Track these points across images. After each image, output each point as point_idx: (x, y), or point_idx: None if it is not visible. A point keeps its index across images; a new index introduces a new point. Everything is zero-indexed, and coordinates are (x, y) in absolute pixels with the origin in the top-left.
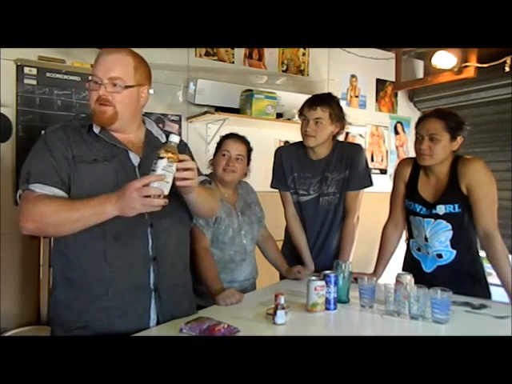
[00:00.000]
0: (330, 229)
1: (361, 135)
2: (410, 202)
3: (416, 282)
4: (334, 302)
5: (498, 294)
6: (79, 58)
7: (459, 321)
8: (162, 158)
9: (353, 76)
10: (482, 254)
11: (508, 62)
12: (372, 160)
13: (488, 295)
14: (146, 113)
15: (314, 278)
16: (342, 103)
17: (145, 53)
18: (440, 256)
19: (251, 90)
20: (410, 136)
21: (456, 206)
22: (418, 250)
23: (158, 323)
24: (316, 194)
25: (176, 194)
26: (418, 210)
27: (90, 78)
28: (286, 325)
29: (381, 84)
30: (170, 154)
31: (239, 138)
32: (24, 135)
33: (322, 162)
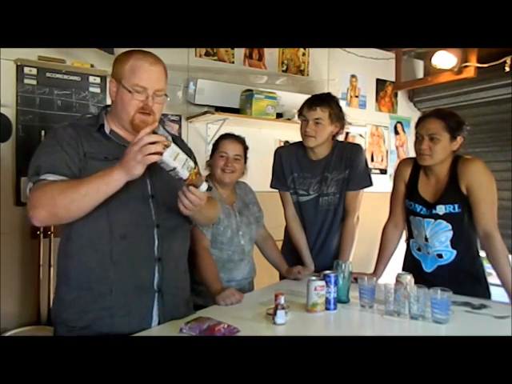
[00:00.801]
0: (329, 229)
1: (361, 135)
2: (410, 202)
3: (416, 282)
4: (334, 302)
5: (498, 294)
6: (79, 58)
7: (459, 321)
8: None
9: (353, 76)
10: (482, 253)
11: (508, 61)
12: (372, 160)
13: (488, 295)
14: None
15: (313, 278)
16: (342, 103)
17: None
18: (440, 256)
19: (251, 90)
20: (410, 136)
21: (456, 206)
22: (418, 249)
23: (159, 324)
24: (316, 194)
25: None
26: (418, 210)
27: (127, 86)
28: (285, 325)
29: (381, 84)
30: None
31: (235, 138)
32: (24, 135)
33: (322, 162)
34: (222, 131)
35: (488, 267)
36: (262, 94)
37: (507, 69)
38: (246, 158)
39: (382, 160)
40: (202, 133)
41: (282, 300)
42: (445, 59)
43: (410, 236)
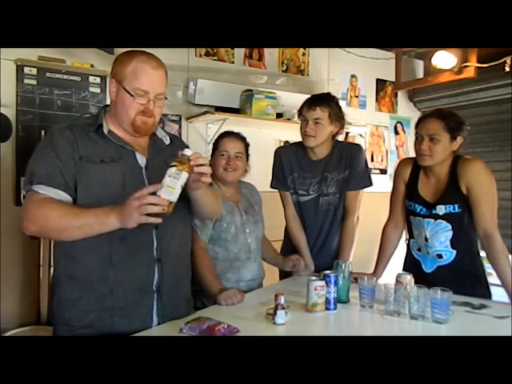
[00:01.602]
0: (329, 229)
1: (361, 135)
2: (410, 203)
3: (416, 282)
4: (334, 302)
5: (498, 294)
6: (79, 58)
7: (459, 321)
8: (172, 167)
9: (353, 76)
10: (483, 253)
11: (508, 61)
12: (372, 160)
13: (488, 295)
14: None
15: (314, 278)
16: (342, 103)
17: None
18: (440, 256)
19: (251, 90)
20: (409, 136)
21: (456, 206)
22: (418, 250)
23: (159, 325)
24: (316, 194)
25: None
26: (417, 210)
27: (128, 89)
28: (285, 325)
29: (381, 84)
30: (179, 165)
31: (235, 136)
32: (24, 135)
33: (322, 162)
34: (222, 131)
35: (488, 267)
36: (262, 93)
37: (507, 69)
38: (247, 155)
39: (382, 160)
40: (202, 133)
41: (282, 300)
42: (445, 59)
43: (409, 236)
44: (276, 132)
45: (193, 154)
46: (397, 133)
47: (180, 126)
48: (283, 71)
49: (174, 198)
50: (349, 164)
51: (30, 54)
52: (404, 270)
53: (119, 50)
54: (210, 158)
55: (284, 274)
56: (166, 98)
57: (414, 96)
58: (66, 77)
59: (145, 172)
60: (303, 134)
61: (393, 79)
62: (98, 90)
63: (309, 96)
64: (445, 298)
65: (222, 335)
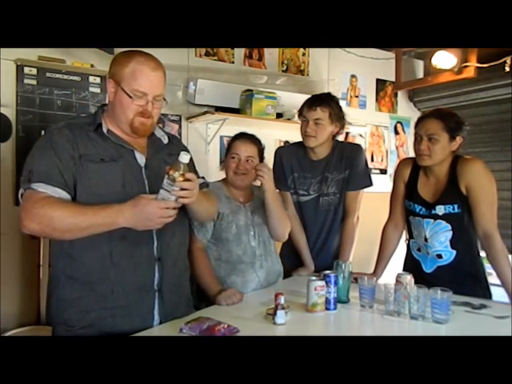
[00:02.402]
0: (330, 229)
1: (361, 135)
2: (410, 203)
3: (416, 283)
4: (334, 302)
5: (498, 294)
6: (79, 58)
7: (459, 321)
8: (175, 179)
9: (353, 76)
10: (483, 254)
11: (508, 61)
12: (372, 160)
13: (488, 295)
14: None
15: (314, 278)
16: (342, 103)
17: None
18: (440, 256)
19: (251, 90)
20: (409, 136)
21: (455, 206)
22: (418, 250)
23: (159, 324)
24: (316, 194)
25: None
26: (417, 210)
27: (127, 90)
28: (286, 325)
29: (381, 84)
30: (181, 177)
31: (248, 139)
32: (24, 135)
33: (322, 162)
34: (222, 131)
35: (488, 267)
36: (262, 94)
37: (507, 69)
38: (262, 158)
39: (382, 160)
40: (202, 133)
41: (281, 300)
42: (445, 59)
43: (409, 236)
44: (276, 132)
45: (189, 158)
46: (397, 133)
47: (180, 126)
48: (283, 71)
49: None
50: (349, 164)
51: (30, 54)
52: (404, 269)
53: (119, 50)
54: (223, 160)
55: (284, 274)
56: (164, 99)
57: (414, 96)
58: (65, 77)
59: (144, 171)
60: (304, 134)
61: (393, 79)
62: (97, 90)
63: (309, 96)
64: (445, 297)
65: (222, 335)
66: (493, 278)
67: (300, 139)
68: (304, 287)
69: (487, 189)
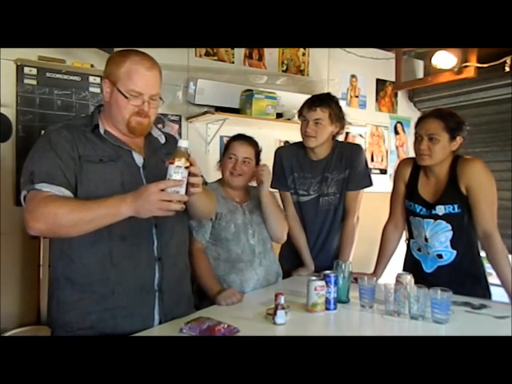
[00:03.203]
0: (330, 229)
1: (361, 135)
2: (410, 203)
3: (416, 282)
4: (334, 302)
5: (498, 294)
6: (79, 58)
7: (459, 321)
8: (177, 164)
9: (353, 76)
10: (483, 254)
11: (508, 61)
12: (372, 160)
13: (488, 295)
14: None
15: (314, 278)
16: (342, 103)
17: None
18: (440, 256)
19: (251, 90)
20: (409, 136)
21: (456, 206)
22: (419, 250)
23: (160, 324)
24: (316, 194)
25: None
26: (417, 210)
27: (122, 91)
28: (285, 325)
29: (381, 84)
30: (183, 160)
31: (246, 140)
32: (24, 135)
33: (322, 162)
34: (222, 131)
35: (488, 267)
36: (262, 93)
37: (507, 69)
38: (258, 160)
39: (382, 160)
40: (202, 133)
41: (282, 300)
42: (445, 59)
43: (410, 236)
44: (276, 132)
45: (187, 144)
46: (397, 133)
47: (180, 126)
48: (283, 71)
49: (183, 195)
50: (349, 164)
51: (30, 53)
52: (404, 269)
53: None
54: (219, 160)
55: (284, 274)
56: (161, 99)
57: (414, 96)
58: (65, 77)
59: (142, 171)
60: (304, 134)
61: (393, 79)
62: (97, 90)
63: (309, 96)
64: (445, 298)
65: (222, 335)
66: (493, 278)
67: (300, 139)
68: (304, 287)
69: (487, 189)
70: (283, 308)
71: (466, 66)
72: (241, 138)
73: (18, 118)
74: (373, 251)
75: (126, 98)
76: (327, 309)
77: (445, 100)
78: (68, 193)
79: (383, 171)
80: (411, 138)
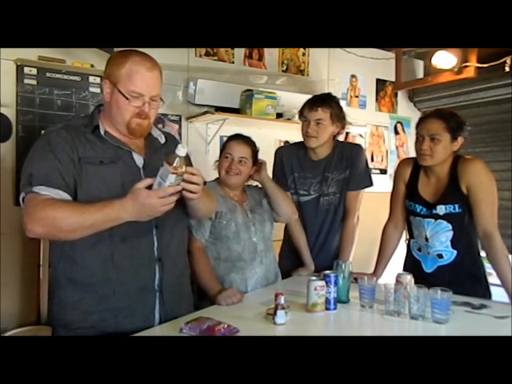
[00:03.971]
0: (330, 229)
1: (361, 135)
2: (410, 203)
3: (416, 282)
4: (334, 302)
5: (498, 294)
6: (79, 58)
7: (459, 321)
8: (179, 172)
9: (353, 76)
10: (483, 253)
11: (508, 61)
12: (372, 160)
13: (488, 295)
14: None
15: (314, 278)
16: (342, 103)
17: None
18: (440, 256)
19: (251, 90)
20: (410, 136)
21: (456, 206)
22: (419, 250)
23: (160, 323)
24: (316, 194)
25: None
26: (418, 210)
27: (123, 91)
28: (286, 325)
29: (381, 84)
30: (184, 168)
31: (243, 140)
32: (24, 135)
33: (323, 162)
34: (222, 131)
35: (488, 267)
36: (262, 93)
37: (507, 69)
38: (255, 160)
39: (382, 160)
40: (202, 133)
41: (282, 300)
42: (445, 59)
43: (410, 236)
44: (276, 132)
45: (185, 152)
46: (397, 133)
47: (180, 126)
48: (283, 71)
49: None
50: (349, 164)
51: (30, 54)
52: (404, 269)
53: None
54: (217, 160)
55: (284, 274)
56: (161, 99)
57: (414, 96)
58: (65, 77)
59: (143, 172)
60: (305, 134)
61: (393, 79)
62: (97, 90)
63: (309, 96)
64: (445, 298)
65: (222, 335)
66: (493, 278)
67: (300, 139)
68: (304, 287)
69: (488, 189)
70: (283, 308)
71: (466, 66)
72: (237, 137)
73: (17, 117)
74: (373, 251)
75: (127, 98)
76: (327, 309)
77: (445, 100)
78: (66, 195)
79: (383, 171)
80: (411, 138)
